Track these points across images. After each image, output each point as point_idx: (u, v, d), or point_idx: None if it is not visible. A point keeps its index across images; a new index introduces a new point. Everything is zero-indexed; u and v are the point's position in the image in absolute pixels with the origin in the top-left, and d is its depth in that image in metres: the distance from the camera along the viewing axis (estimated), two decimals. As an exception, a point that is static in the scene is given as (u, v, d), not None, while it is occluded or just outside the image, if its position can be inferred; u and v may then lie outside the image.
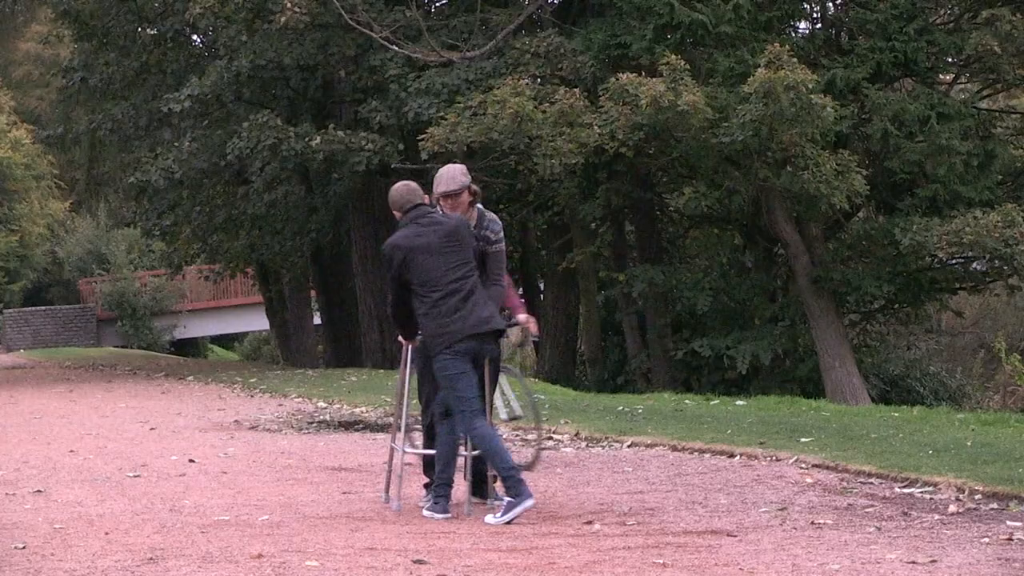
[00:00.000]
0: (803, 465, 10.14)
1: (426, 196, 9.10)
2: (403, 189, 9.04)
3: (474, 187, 9.09)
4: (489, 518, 8.33)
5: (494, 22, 25.57)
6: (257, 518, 8.52)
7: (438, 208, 8.99)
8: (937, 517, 7.94)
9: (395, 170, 24.15)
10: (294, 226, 30.06)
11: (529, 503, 8.35)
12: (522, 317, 9.40)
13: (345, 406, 17.05)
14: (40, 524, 8.48)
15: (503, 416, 10.25)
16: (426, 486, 9.00)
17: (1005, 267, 23.92)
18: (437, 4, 28.95)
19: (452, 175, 9.00)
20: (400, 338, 9.21)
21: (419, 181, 29.64)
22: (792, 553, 6.99)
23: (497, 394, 9.86)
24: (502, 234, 9.12)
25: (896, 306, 27.32)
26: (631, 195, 26.55)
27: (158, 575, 6.78)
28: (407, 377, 9.17)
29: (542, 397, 18.25)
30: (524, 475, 8.63)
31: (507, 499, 8.39)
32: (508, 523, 8.23)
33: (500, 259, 9.09)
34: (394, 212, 9.05)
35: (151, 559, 7.14)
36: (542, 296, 34.28)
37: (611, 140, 22.24)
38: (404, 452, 9.21)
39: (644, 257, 27.45)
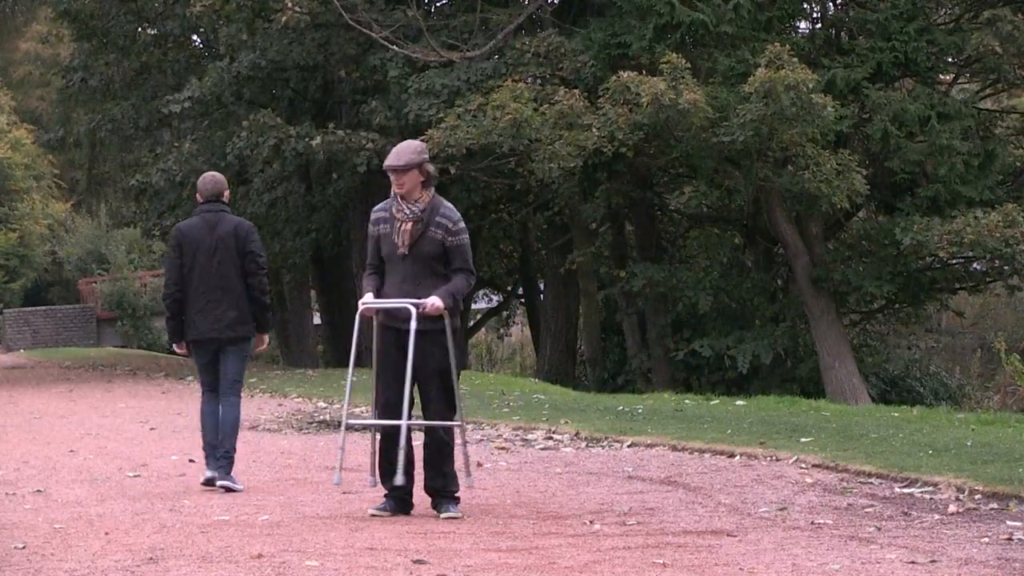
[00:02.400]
0: (803, 465, 10.13)
1: (227, 192, 10.09)
2: (210, 179, 10.10)
3: (428, 168, 8.50)
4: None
5: (494, 22, 25.56)
6: (257, 518, 8.52)
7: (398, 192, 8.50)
8: (937, 517, 7.94)
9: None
10: (294, 226, 30.05)
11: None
12: None
13: (345, 406, 17.01)
14: (40, 524, 8.48)
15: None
16: (385, 496, 8.59)
17: (1005, 267, 23.94)
18: (437, 4, 28.95)
19: (401, 150, 8.51)
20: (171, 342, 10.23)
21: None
22: (792, 553, 6.99)
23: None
24: (462, 224, 8.51)
25: (896, 306, 27.33)
26: (631, 195, 26.56)
27: (158, 575, 6.78)
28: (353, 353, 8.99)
29: (542, 397, 18.25)
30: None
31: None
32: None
33: (462, 251, 8.45)
34: (197, 196, 10.11)
35: (151, 559, 7.14)
36: (542, 296, 34.29)
37: (610, 142, 22.23)
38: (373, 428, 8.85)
39: (644, 257, 27.46)
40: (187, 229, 9.94)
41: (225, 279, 9.83)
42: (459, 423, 8.59)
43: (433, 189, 8.57)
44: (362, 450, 12.45)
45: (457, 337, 8.51)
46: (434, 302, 8.30)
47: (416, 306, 8.31)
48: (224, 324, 9.83)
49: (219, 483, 9.76)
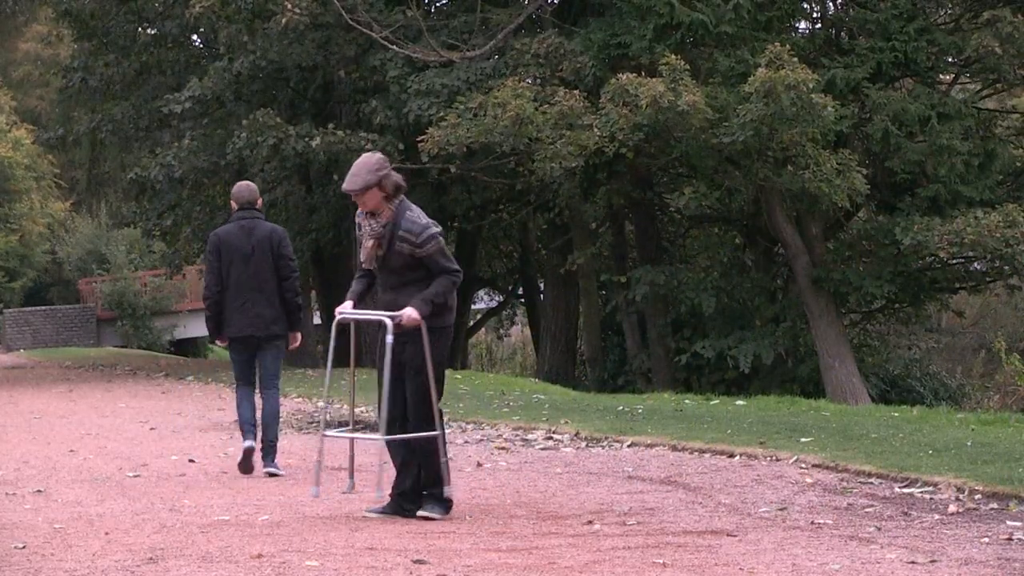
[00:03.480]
0: (803, 465, 10.13)
1: (259, 200, 10.80)
2: (244, 188, 10.82)
3: (389, 182, 8.20)
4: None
5: (494, 22, 25.56)
6: (257, 518, 8.52)
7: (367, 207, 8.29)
8: (937, 517, 7.94)
9: (396, 170, 24.13)
10: (294, 226, 30.02)
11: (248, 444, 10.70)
12: None
13: (345, 406, 17.02)
14: (40, 524, 8.47)
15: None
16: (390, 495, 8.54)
17: (1006, 267, 23.95)
18: (437, 4, 28.95)
19: (357, 170, 8.18)
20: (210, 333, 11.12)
21: (420, 182, 29.31)
22: (792, 553, 6.98)
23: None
24: (428, 233, 8.13)
25: (896, 306, 27.33)
26: (631, 195, 26.56)
27: (158, 575, 6.78)
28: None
29: (542, 397, 18.24)
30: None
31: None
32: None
33: (435, 259, 8.14)
34: (231, 202, 10.85)
35: (151, 559, 7.14)
36: (542, 296, 34.28)
37: (611, 142, 22.23)
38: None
39: (644, 257, 27.46)
40: (224, 235, 10.70)
41: (260, 281, 10.61)
42: (435, 432, 8.23)
43: (399, 198, 8.27)
44: (362, 449, 12.46)
45: (443, 339, 8.29)
46: (410, 314, 8.08)
47: (392, 318, 8.14)
48: (260, 322, 10.66)
49: (264, 469, 10.70)
